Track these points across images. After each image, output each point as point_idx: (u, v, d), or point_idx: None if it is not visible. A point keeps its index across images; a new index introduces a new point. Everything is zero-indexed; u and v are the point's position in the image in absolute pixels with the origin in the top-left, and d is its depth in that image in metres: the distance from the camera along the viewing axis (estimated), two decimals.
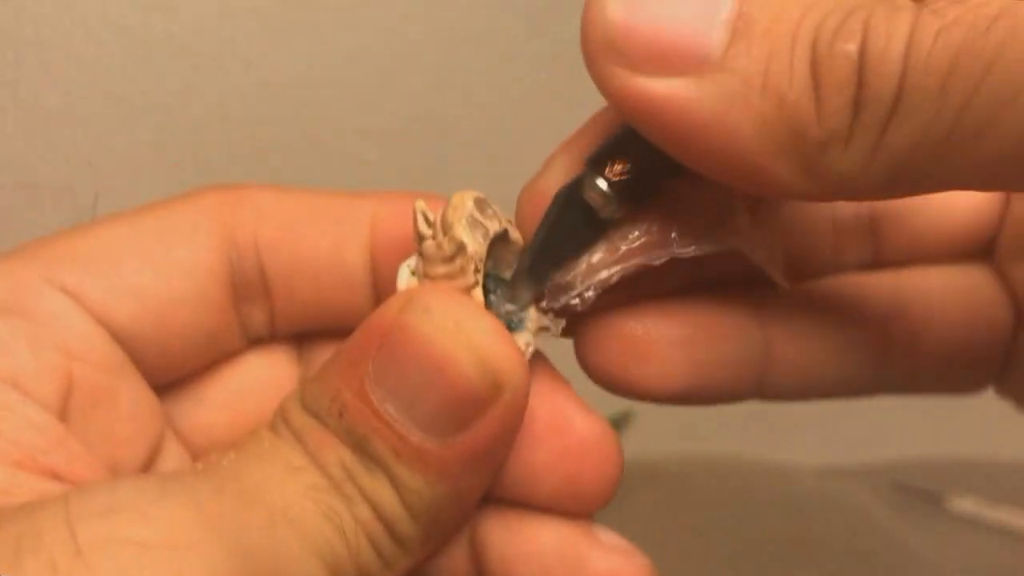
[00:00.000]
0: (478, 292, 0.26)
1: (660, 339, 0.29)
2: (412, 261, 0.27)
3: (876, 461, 0.73)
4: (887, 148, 0.21)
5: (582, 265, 0.27)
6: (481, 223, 0.27)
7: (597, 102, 0.26)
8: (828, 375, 0.31)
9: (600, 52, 0.23)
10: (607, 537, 0.28)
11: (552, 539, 0.27)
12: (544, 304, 0.27)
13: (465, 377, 0.24)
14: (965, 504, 0.67)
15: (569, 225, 0.26)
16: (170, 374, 0.29)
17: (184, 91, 0.64)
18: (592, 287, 0.27)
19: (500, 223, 0.27)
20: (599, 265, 0.27)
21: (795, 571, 0.63)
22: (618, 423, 0.71)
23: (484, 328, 0.25)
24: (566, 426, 0.27)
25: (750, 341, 0.30)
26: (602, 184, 0.26)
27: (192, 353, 0.29)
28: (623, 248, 0.27)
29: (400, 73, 0.66)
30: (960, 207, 0.31)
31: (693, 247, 0.27)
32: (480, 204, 0.27)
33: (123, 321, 0.28)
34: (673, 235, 0.27)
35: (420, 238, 0.27)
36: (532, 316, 0.27)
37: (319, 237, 0.29)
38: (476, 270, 0.26)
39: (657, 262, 0.27)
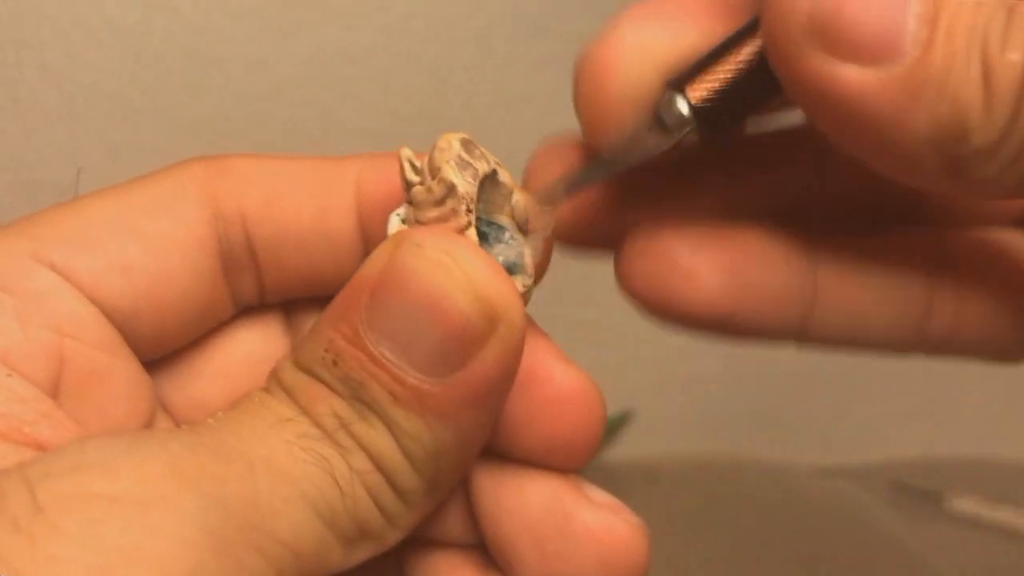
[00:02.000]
0: (472, 232, 0.26)
1: (704, 260, 0.28)
2: (402, 210, 0.27)
3: (876, 461, 0.73)
4: None
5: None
6: (470, 163, 0.26)
7: None
8: (872, 324, 0.30)
9: (802, 35, 0.23)
10: (596, 494, 0.27)
11: (538, 494, 0.27)
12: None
13: (460, 312, 0.24)
14: (965, 504, 0.67)
15: (638, 141, 0.26)
16: (161, 349, 0.29)
17: (184, 91, 0.64)
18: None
19: (489, 163, 0.27)
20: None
21: (794, 571, 0.63)
22: (618, 423, 0.71)
23: (478, 262, 0.24)
24: (545, 377, 0.27)
25: (798, 276, 0.29)
26: (683, 106, 0.26)
27: (184, 327, 0.29)
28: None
29: (400, 73, 0.66)
30: None
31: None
32: (467, 145, 0.26)
33: (114, 299, 0.27)
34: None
35: (408, 185, 0.26)
36: (528, 260, 0.27)
37: (302, 205, 0.29)
38: (468, 211, 0.26)
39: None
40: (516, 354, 0.25)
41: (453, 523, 0.28)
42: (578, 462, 0.27)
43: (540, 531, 0.27)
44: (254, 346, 0.30)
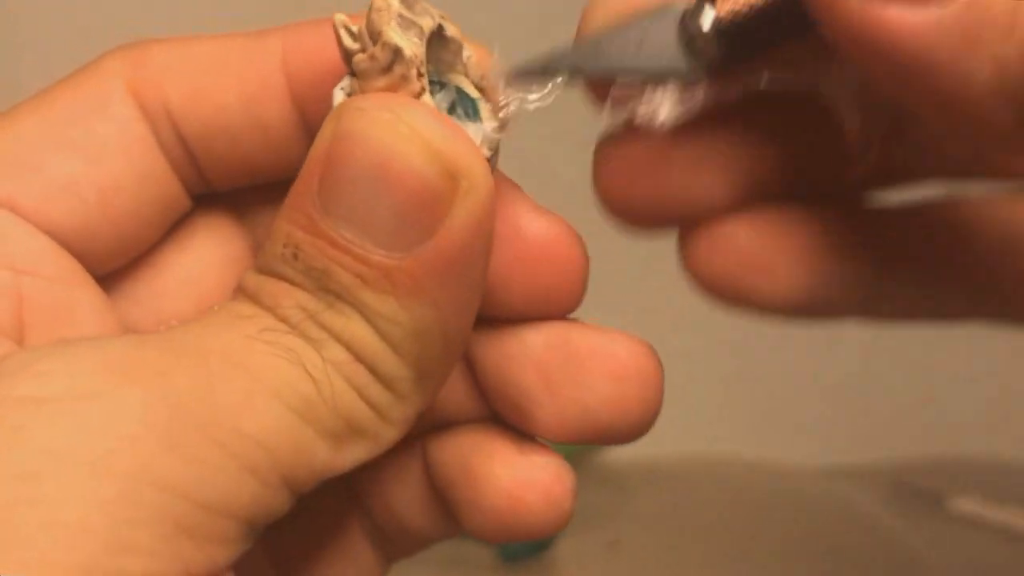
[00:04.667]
0: (428, 98, 0.24)
1: (778, 251, 0.26)
2: (345, 83, 0.24)
3: (876, 461, 0.73)
4: None
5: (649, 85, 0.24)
6: (413, 21, 0.24)
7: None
8: (938, 298, 0.28)
9: None
10: (593, 324, 0.26)
11: (537, 334, 0.26)
12: (609, 104, 0.25)
13: (415, 171, 0.22)
14: (965, 504, 0.67)
15: (653, 42, 0.24)
16: (123, 258, 0.27)
17: None
18: (669, 101, 0.24)
19: (433, 18, 0.24)
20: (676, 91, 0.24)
21: (794, 571, 0.63)
22: None
23: (426, 116, 0.22)
24: (515, 232, 0.25)
25: (867, 257, 0.27)
26: (709, 17, 0.23)
27: (144, 231, 0.27)
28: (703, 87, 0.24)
29: None
30: None
31: (771, 79, 0.24)
32: (407, 0, 0.24)
33: (64, 221, 0.25)
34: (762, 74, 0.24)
35: (348, 54, 0.24)
36: (486, 113, 0.25)
37: (228, 94, 0.26)
38: (420, 75, 0.24)
39: (731, 91, 0.25)
40: (486, 213, 0.23)
41: (463, 398, 0.27)
42: (567, 308, 0.26)
43: (545, 365, 0.26)
44: (210, 249, 0.28)
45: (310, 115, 0.26)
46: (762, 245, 0.26)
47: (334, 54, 0.25)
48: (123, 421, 0.20)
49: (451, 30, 0.25)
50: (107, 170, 0.26)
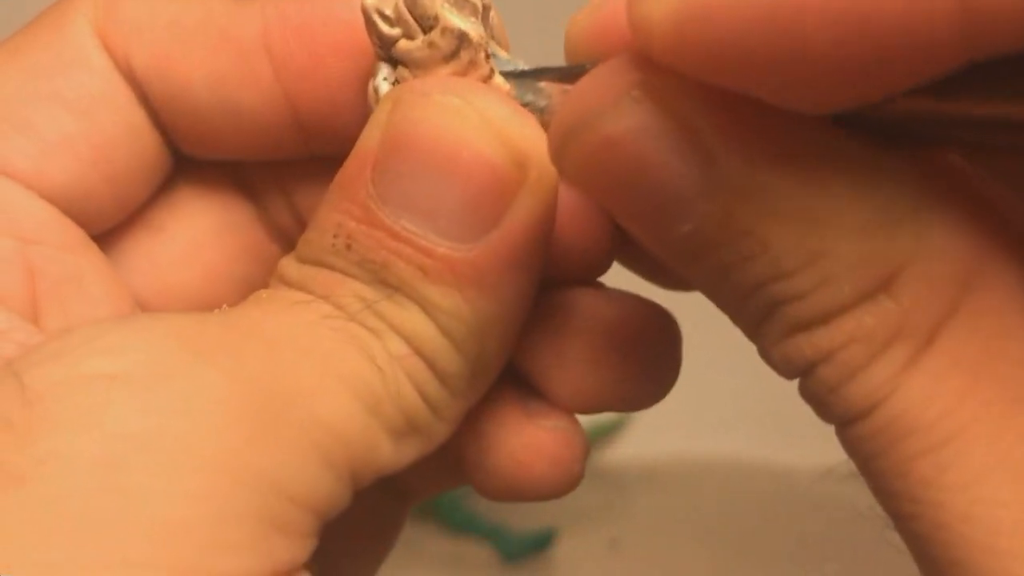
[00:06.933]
0: (498, 79, 0.22)
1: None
2: (387, 72, 0.23)
3: None
4: None
5: None
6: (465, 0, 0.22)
7: None
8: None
9: None
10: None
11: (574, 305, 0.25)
12: None
13: (486, 160, 0.21)
14: None
15: None
16: (118, 218, 0.26)
17: None
18: None
19: None
20: None
21: (794, 571, 0.63)
22: (617, 423, 0.71)
23: (495, 101, 0.21)
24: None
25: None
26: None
27: (138, 189, 0.25)
28: None
29: None
30: None
31: None
32: None
33: (62, 181, 0.24)
34: None
35: (388, 42, 0.22)
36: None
37: (192, 71, 0.24)
38: (488, 56, 0.22)
39: None
40: (552, 201, 0.22)
41: None
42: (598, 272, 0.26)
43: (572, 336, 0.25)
44: (208, 216, 0.27)
45: (300, 102, 0.25)
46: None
47: (330, 35, 0.23)
48: (207, 401, 0.18)
49: None
50: (99, 125, 0.24)
